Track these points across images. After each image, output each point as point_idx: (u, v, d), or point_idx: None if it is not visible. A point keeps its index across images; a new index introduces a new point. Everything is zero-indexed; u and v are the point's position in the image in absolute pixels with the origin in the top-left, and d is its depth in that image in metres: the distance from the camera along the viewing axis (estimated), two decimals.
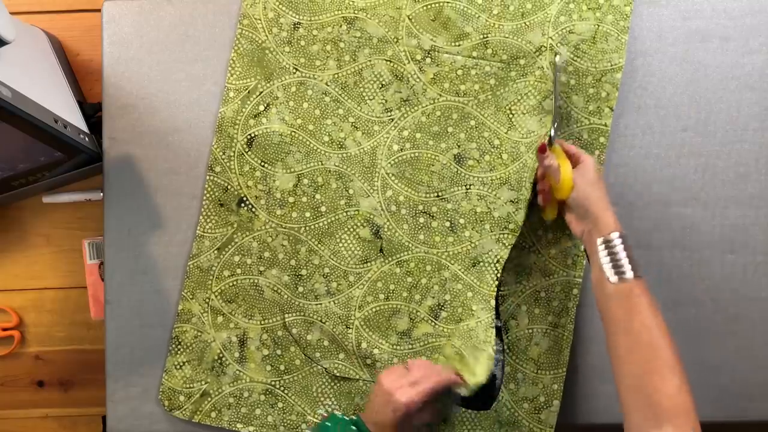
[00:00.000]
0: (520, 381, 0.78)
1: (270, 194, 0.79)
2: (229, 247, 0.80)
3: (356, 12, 0.79)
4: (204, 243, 0.80)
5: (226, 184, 0.80)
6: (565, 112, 0.78)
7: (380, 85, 0.79)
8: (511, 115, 0.78)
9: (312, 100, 0.79)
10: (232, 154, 0.80)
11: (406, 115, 0.79)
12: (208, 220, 0.80)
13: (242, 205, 0.80)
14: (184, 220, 0.82)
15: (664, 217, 0.80)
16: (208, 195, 0.80)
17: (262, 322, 0.80)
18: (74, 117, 0.82)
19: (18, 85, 0.68)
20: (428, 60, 0.79)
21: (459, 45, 0.78)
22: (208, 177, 0.80)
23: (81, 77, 0.99)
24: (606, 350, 0.62)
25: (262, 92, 0.80)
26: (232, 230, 0.80)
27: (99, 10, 0.82)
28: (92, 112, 0.88)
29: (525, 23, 0.78)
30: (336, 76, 0.79)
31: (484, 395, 0.77)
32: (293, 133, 0.79)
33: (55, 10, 1.00)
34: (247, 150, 0.79)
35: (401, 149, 0.79)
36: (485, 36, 0.78)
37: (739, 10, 0.79)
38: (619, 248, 0.63)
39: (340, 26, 0.79)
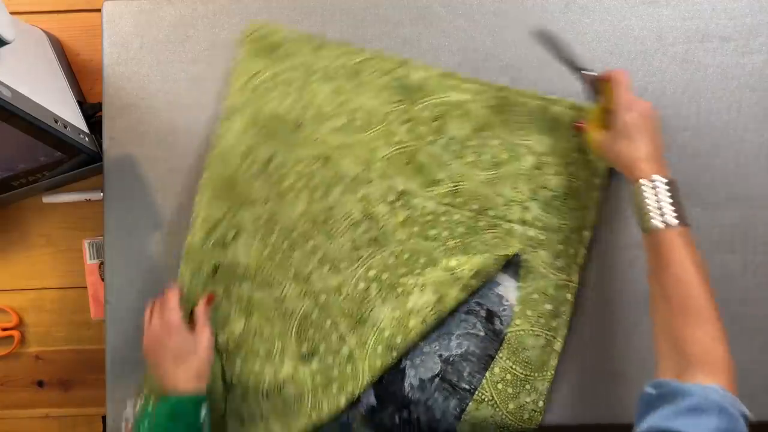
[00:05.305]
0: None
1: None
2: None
3: (331, 150, 0.78)
4: None
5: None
6: (531, 265, 0.77)
7: (350, 224, 0.78)
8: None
9: (281, 233, 0.78)
10: (198, 281, 0.79)
11: (373, 255, 0.78)
12: None
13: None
14: (184, 220, 0.81)
15: None
16: None
17: None
18: (74, 117, 0.82)
19: (18, 85, 0.68)
20: (400, 203, 0.78)
21: (431, 191, 0.78)
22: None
23: (81, 77, 0.99)
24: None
25: (231, 220, 0.79)
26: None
27: (99, 10, 0.82)
28: (92, 112, 0.88)
29: (497, 174, 0.77)
30: (306, 210, 0.78)
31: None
32: (259, 265, 0.78)
33: (55, 10, 1.00)
34: (211, 278, 0.79)
35: (367, 288, 0.78)
36: (457, 184, 0.78)
37: (739, 10, 0.79)
38: (664, 192, 0.61)
39: (314, 163, 0.78)
